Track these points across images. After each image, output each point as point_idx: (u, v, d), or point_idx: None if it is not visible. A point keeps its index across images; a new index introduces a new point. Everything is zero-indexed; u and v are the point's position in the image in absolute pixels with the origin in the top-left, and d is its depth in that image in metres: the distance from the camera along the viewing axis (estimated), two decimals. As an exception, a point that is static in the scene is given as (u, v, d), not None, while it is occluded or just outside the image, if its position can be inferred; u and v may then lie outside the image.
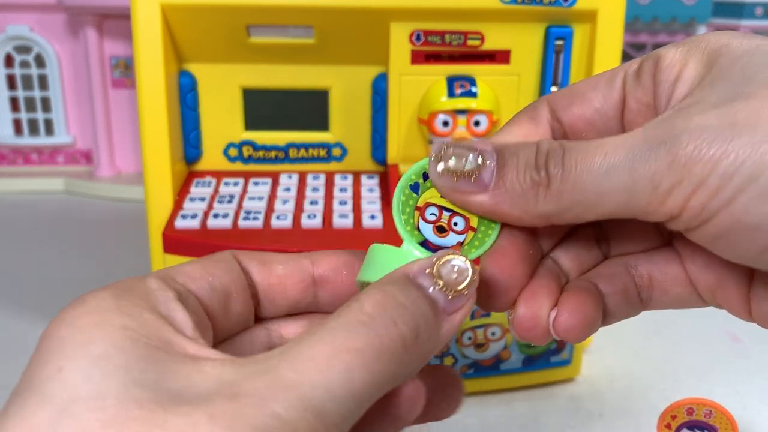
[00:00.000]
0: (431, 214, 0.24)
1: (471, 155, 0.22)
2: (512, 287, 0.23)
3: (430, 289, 0.20)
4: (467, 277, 0.21)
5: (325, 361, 0.17)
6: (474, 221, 0.24)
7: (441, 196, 0.23)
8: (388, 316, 0.19)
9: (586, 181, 0.20)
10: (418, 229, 0.23)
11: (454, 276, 0.21)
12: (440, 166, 0.22)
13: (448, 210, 0.24)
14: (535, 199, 0.21)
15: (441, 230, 0.24)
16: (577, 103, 0.24)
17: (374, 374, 0.18)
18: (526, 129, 0.24)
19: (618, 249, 0.26)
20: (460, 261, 0.21)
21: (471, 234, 0.24)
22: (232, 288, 0.23)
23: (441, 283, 0.20)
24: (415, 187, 0.24)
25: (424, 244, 0.23)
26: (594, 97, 0.24)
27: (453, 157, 0.22)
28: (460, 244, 0.24)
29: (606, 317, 0.24)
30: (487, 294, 0.23)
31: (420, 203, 0.24)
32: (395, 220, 0.23)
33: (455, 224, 0.24)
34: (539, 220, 0.22)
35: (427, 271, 0.21)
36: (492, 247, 0.24)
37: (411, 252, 0.23)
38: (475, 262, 0.22)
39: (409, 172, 0.24)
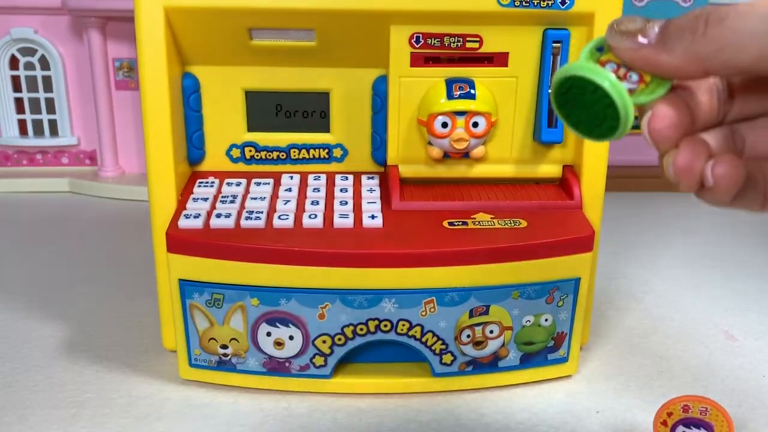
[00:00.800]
0: (610, 66, 0.28)
1: (639, 19, 0.27)
2: (675, 130, 0.28)
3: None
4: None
5: None
6: (647, 77, 0.27)
7: (615, 54, 0.28)
8: None
9: (743, 26, 0.24)
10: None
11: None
12: (615, 28, 0.27)
13: (625, 67, 0.28)
14: (692, 40, 0.25)
15: (618, 78, 0.27)
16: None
17: None
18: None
19: (752, 152, 0.30)
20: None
21: (642, 86, 0.27)
22: None
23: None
24: (599, 49, 0.28)
25: None
26: None
27: (625, 21, 0.27)
28: (632, 90, 0.27)
29: (745, 189, 0.28)
30: (654, 127, 0.28)
31: (603, 59, 0.28)
32: (581, 56, 0.28)
33: (630, 77, 0.27)
34: (695, 64, 0.26)
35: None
36: (659, 100, 0.28)
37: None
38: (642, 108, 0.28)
39: (594, 40, 0.28)
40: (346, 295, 0.47)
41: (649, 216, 0.92)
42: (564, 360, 0.53)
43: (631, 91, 0.27)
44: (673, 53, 0.26)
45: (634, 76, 0.27)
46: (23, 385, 0.52)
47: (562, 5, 0.49)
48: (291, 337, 0.49)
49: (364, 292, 0.47)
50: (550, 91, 0.29)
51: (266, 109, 0.55)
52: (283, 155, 0.55)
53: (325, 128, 0.55)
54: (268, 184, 0.53)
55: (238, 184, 0.53)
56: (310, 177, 0.55)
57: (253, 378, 0.51)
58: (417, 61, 0.51)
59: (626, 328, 0.62)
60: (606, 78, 0.27)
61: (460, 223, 0.49)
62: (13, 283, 0.69)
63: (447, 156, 0.53)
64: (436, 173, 0.54)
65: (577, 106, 0.28)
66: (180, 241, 0.47)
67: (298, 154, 0.56)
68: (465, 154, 0.53)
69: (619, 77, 0.27)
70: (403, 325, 0.48)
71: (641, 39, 0.26)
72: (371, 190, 0.53)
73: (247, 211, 0.49)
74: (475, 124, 0.51)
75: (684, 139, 0.28)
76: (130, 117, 0.99)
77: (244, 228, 0.48)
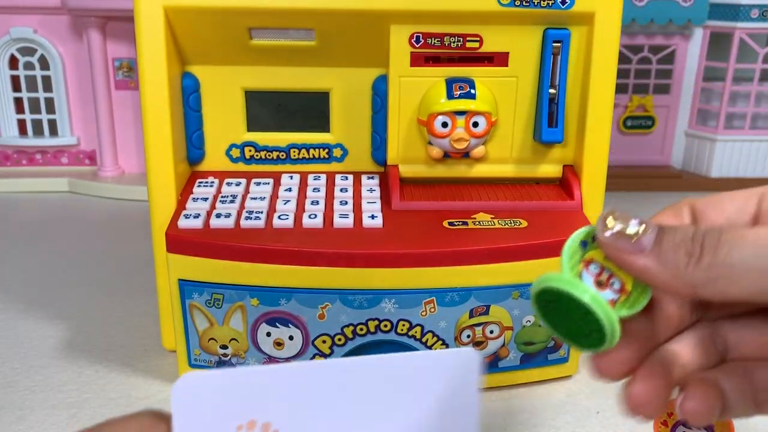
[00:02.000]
0: (594, 268, 0.26)
1: (635, 222, 0.25)
2: (626, 366, 0.27)
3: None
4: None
5: None
6: (629, 284, 0.26)
7: (604, 255, 0.26)
8: None
9: (736, 258, 0.23)
10: (580, 277, 0.26)
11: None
12: (607, 229, 0.25)
13: (608, 270, 0.26)
14: (686, 267, 0.24)
15: (599, 285, 0.26)
16: (713, 209, 0.28)
17: None
18: (671, 221, 0.28)
19: (737, 353, 0.29)
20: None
21: (623, 297, 0.26)
22: None
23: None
24: (583, 244, 0.27)
25: None
26: (729, 207, 0.28)
27: (619, 221, 0.25)
28: (614, 302, 0.26)
29: (724, 411, 0.27)
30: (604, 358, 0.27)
31: (586, 257, 0.26)
32: (563, 264, 0.26)
33: (612, 284, 0.26)
34: (685, 288, 0.24)
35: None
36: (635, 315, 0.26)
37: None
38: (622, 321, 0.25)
39: (580, 231, 0.27)
40: (346, 295, 0.47)
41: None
42: (564, 360, 0.53)
43: (613, 302, 0.26)
44: (667, 271, 0.25)
45: (617, 283, 0.26)
46: (22, 385, 0.52)
47: (563, 5, 0.49)
48: (291, 338, 0.49)
49: (364, 292, 0.47)
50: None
51: (266, 109, 0.55)
52: (282, 155, 0.55)
53: (325, 128, 0.55)
54: (268, 184, 0.53)
55: (238, 184, 0.53)
56: (310, 177, 0.55)
57: (252, 378, 0.51)
58: (417, 60, 0.51)
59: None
60: (586, 291, 0.25)
61: (461, 223, 0.49)
62: (13, 283, 0.69)
63: (447, 156, 0.53)
64: (436, 173, 0.54)
65: (562, 315, 0.26)
66: (180, 241, 0.47)
67: (298, 154, 0.55)
68: (465, 154, 0.52)
69: (600, 283, 0.26)
70: (403, 325, 0.48)
71: (636, 245, 0.25)
72: (371, 190, 0.53)
73: (246, 211, 0.49)
74: (475, 124, 0.51)
75: (643, 367, 0.27)
76: (129, 117, 0.99)
77: (244, 228, 0.48)
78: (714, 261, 0.24)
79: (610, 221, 0.25)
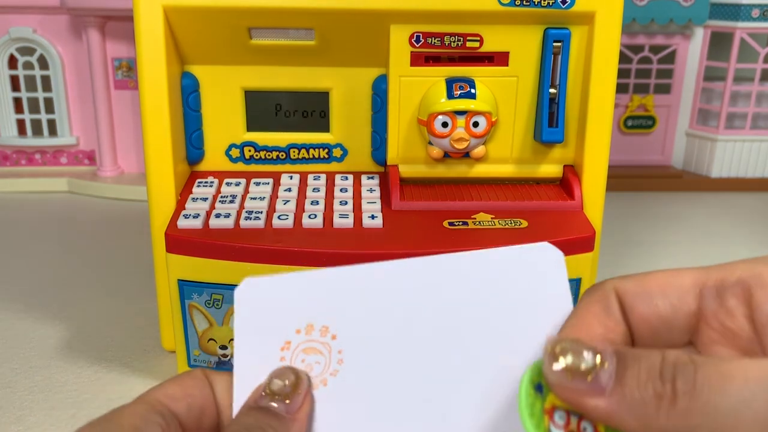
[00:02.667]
0: (560, 417, 0.22)
1: (588, 354, 0.21)
2: None
3: (271, 404, 0.24)
4: (292, 383, 0.24)
5: None
6: (601, 427, 0.22)
7: (555, 395, 0.22)
8: None
9: (721, 404, 0.19)
10: None
11: (284, 386, 0.24)
12: (555, 364, 0.21)
13: (575, 414, 0.22)
14: (657, 413, 0.20)
15: None
16: (642, 303, 0.24)
17: None
18: (600, 320, 0.24)
19: None
20: (282, 371, 0.24)
21: None
22: (206, 405, 0.26)
23: (276, 396, 0.24)
24: (539, 388, 0.22)
25: None
26: (661, 304, 0.23)
27: (569, 354, 0.21)
28: None
29: None
30: None
31: (547, 405, 0.22)
32: (525, 426, 0.21)
33: (584, 429, 0.22)
34: None
35: (262, 393, 0.24)
36: None
37: None
38: None
39: (529, 371, 0.22)
40: (346, 296, 0.47)
41: (649, 216, 0.92)
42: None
43: None
44: (633, 416, 0.20)
45: (589, 428, 0.22)
46: (22, 386, 0.52)
47: (563, 4, 0.48)
48: (291, 338, 0.49)
49: (364, 293, 0.47)
50: None
51: (266, 109, 0.54)
52: (282, 155, 0.55)
53: (325, 128, 0.55)
54: (268, 184, 0.53)
55: (238, 184, 0.53)
56: (310, 177, 0.55)
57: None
58: (417, 60, 0.51)
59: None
60: None
61: (461, 223, 0.49)
62: (12, 284, 0.69)
63: (447, 156, 0.53)
64: (437, 173, 0.54)
65: None
66: (179, 241, 0.47)
67: (298, 153, 0.55)
68: (465, 154, 0.52)
69: None
70: (403, 325, 0.48)
71: (592, 384, 0.20)
72: (371, 190, 0.53)
73: (246, 211, 0.49)
74: (476, 124, 0.50)
75: None
76: (129, 117, 0.99)
77: (244, 228, 0.48)
78: (692, 405, 0.19)
79: (558, 353, 0.21)
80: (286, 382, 0.24)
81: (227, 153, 0.55)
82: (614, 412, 0.20)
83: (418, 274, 0.25)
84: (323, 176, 0.55)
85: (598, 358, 0.21)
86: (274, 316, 0.25)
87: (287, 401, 0.24)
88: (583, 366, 0.21)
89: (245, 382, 0.25)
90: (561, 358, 0.21)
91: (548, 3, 0.48)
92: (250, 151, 0.55)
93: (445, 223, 0.49)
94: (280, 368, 0.25)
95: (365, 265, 0.25)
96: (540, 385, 0.22)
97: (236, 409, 0.25)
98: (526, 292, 0.25)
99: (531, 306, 0.25)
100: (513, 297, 0.25)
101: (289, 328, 0.25)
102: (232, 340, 0.49)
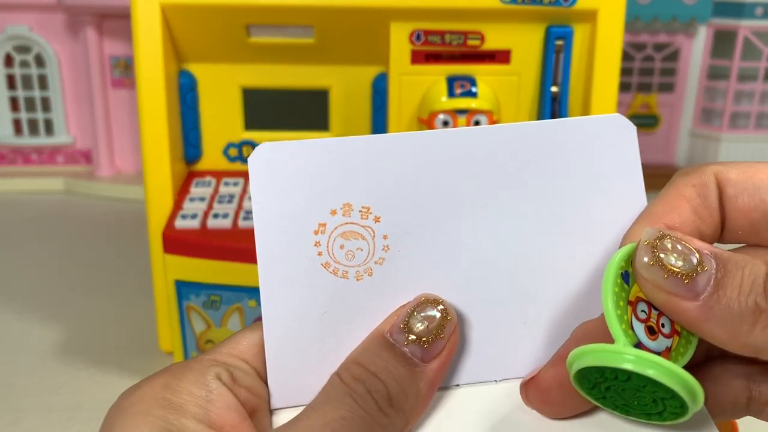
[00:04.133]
0: (642, 311, 0.20)
1: (688, 252, 0.19)
2: None
3: (405, 345, 0.21)
4: (436, 322, 0.21)
5: (318, 430, 0.19)
6: (678, 327, 0.20)
7: (644, 292, 0.20)
8: (363, 386, 0.20)
9: None
10: (632, 327, 0.20)
11: (426, 325, 0.21)
12: (650, 259, 0.19)
13: (656, 308, 0.20)
14: (752, 328, 0.18)
15: (652, 331, 0.20)
16: (747, 195, 0.21)
17: None
18: (694, 206, 0.21)
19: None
20: (429, 310, 0.21)
21: (676, 339, 0.20)
22: None
23: (413, 336, 0.21)
24: (626, 276, 0.20)
25: (638, 346, 0.20)
26: None
27: (669, 251, 0.19)
28: (669, 349, 0.20)
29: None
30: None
31: (632, 297, 0.20)
32: (608, 319, 0.19)
33: (663, 325, 0.20)
34: (745, 350, 0.19)
35: (401, 326, 0.21)
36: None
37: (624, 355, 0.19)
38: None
39: (617, 258, 0.20)
40: (345, 297, 0.47)
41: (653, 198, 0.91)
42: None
43: (668, 351, 0.20)
44: (724, 326, 0.18)
45: (667, 326, 0.20)
46: (18, 388, 0.51)
47: (565, 2, 0.48)
48: (289, 340, 0.48)
49: (364, 294, 0.46)
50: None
51: (264, 108, 0.54)
52: (281, 154, 0.55)
53: (324, 127, 0.55)
54: (267, 183, 0.53)
55: (236, 184, 0.52)
56: (309, 176, 0.54)
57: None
58: (418, 58, 0.50)
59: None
60: (626, 359, 0.19)
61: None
62: (8, 285, 0.69)
63: (448, 155, 0.52)
64: (437, 173, 0.53)
65: (620, 391, 0.20)
66: (176, 242, 0.47)
67: (297, 153, 0.55)
68: (466, 153, 0.52)
69: (652, 330, 0.20)
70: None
71: (689, 288, 0.19)
72: (371, 190, 0.52)
73: (244, 212, 0.49)
74: (477, 123, 0.50)
75: None
76: (126, 116, 0.98)
77: (242, 228, 0.48)
78: None
79: (655, 247, 0.19)
80: (431, 320, 0.21)
81: (225, 152, 0.55)
82: (704, 320, 0.19)
83: (471, 145, 0.21)
84: (322, 176, 0.54)
85: (697, 258, 0.19)
86: (302, 191, 0.21)
87: (425, 345, 0.21)
88: (680, 266, 0.19)
89: (273, 278, 0.21)
90: (659, 254, 0.19)
91: (550, 1, 0.48)
92: (248, 150, 0.55)
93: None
94: (428, 299, 0.21)
95: (408, 134, 0.22)
96: (627, 273, 0.20)
97: (265, 311, 0.21)
98: (596, 168, 0.22)
99: (601, 183, 0.22)
100: (580, 173, 0.22)
101: (322, 207, 0.21)
102: (230, 342, 0.49)
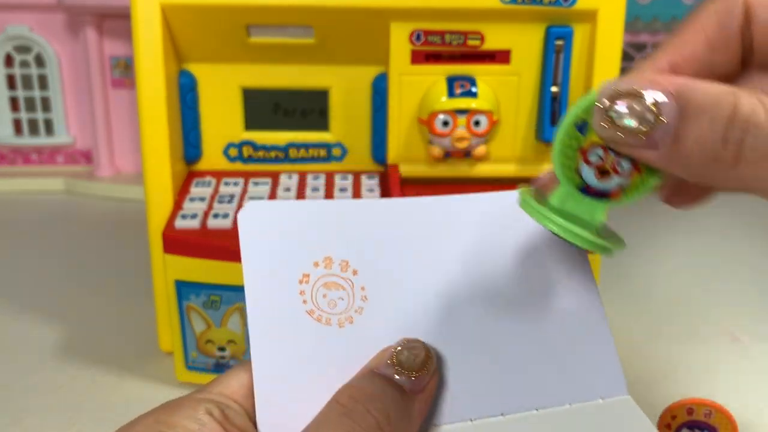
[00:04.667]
0: (596, 156, 0.21)
1: (645, 107, 0.18)
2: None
3: (395, 376, 0.22)
4: (421, 357, 0.22)
5: None
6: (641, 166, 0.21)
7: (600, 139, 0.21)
8: (362, 406, 0.20)
9: None
10: (579, 173, 0.22)
11: (412, 359, 0.22)
12: (604, 120, 0.19)
13: (616, 151, 0.21)
14: (714, 173, 0.18)
15: (603, 172, 0.21)
16: None
17: None
18: (708, 36, 0.20)
19: None
20: (413, 348, 0.22)
21: (636, 175, 0.21)
22: None
23: (402, 369, 0.22)
24: (581, 127, 0.21)
25: (584, 189, 0.22)
26: None
27: (624, 108, 0.19)
28: (621, 188, 0.21)
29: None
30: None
31: (585, 144, 0.21)
32: (554, 163, 0.22)
33: (621, 166, 0.21)
34: (710, 184, 0.19)
35: (388, 361, 0.22)
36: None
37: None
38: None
39: (575, 109, 0.21)
40: (345, 297, 0.47)
41: (651, 215, 0.91)
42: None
43: (621, 189, 0.21)
44: (686, 171, 0.19)
45: (626, 165, 0.21)
46: (18, 388, 0.51)
47: (565, 2, 0.48)
48: (290, 340, 0.48)
49: (364, 294, 0.46)
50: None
51: (264, 108, 0.54)
52: (281, 154, 0.55)
53: (324, 127, 0.55)
54: (267, 183, 0.53)
55: (236, 184, 0.52)
56: (309, 177, 0.54)
57: (251, 381, 0.50)
58: (417, 58, 0.50)
59: (629, 330, 0.61)
60: (554, 222, 0.21)
61: (462, 224, 0.49)
62: (7, 285, 0.68)
63: (448, 155, 0.52)
64: (438, 173, 0.53)
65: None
66: (176, 242, 0.47)
67: (297, 153, 0.55)
68: (466, 154, 0.52)
69: (604, 171, 0.21)
70: (404, 327, 0.48)
71: (644, 142, 0.19)
72: (371, 190, 0.52)
73: (244, 211, 0.49)
74: (477, 123, 0.50)
75: None
76: (126, 116, 0.98)
77: (242, 228, 0.47)
78: (755, 172, 0.17)
79: (610, 107, 0.19)
80: (417, 356, 0.22)
81: (225, 152, 0.55)
82: (666, 165, 0.19)
83: (427, 212, 0.24)
84: (323, 176, 0.54)
85: (653, 114, 0.18)
86: (287, 245, 0.23)
87: (413, 377, 0.21)
88: (634, 126, 0.18)
89: (262, 323, 0.23)
90: (612, 116, 0.19)
91: (550, 1, 0.48)
92: (248, 150, 0.55)
93: (446, 224, 0.49)
94: (411, 339, 0.22)
95: (380, 200, 0.24)
96: (584, 124, 0.21)
97: (255, 354, 0.22)
98: (521, 231, 0.25)
99: (539, 243, 0.24)
100: (510, 235, 0.24)
101: (305, 259, 0.23)
102: (230, 341, 0.49)
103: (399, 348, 0.22)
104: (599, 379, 0.24)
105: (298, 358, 0.22)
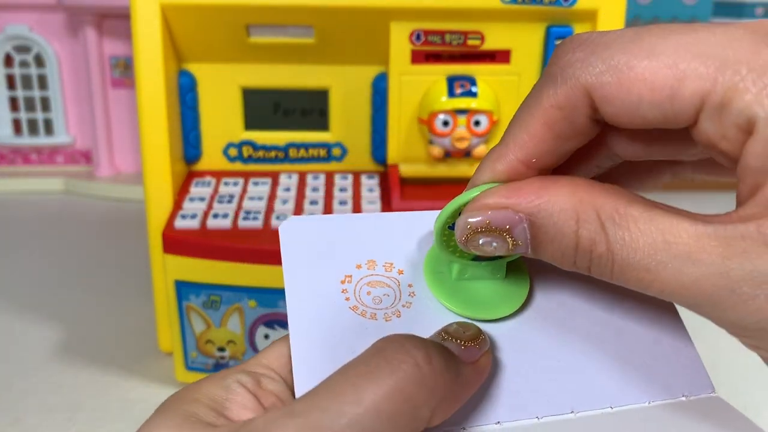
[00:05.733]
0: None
1: (501, 239, 0.20)
2: None
3: (442, 342, 0.20)
4: (472, 330, 0.21)
5: (348, 392, 0.18)
6: None
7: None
8: (398, 344, 0.19)
9: (634, 273, 0.18)
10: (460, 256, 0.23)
11: (462, 331, 0.21)
12: (465, 246, 0.21)
13: None
14: (573, 268, 0.20)
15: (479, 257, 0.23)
16: (624, 109, 0.19)
17: (396, 398, 0.18)
18: (553, 134, 0.20)
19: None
20: (467, 324, 0.21)
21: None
22: None
23: (450, 336, 0.20)
24: (453, 227, 0.22)
25: (476, 257, 0.23)
26: (650, 114, 0.18)
27: (480, 240, 0.20)
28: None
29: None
30: None
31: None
32: (442, 252, 0.22)
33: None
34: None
35: (437, 334, 0.21)
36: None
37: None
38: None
39: (443, 216, 0.22)
40: (345, 297, 0.46)
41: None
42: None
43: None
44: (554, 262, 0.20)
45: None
46: (18, 388, 0.51)
47: (565, 2, 0.48)
48: (290, 340, 0.48)
49: (364, 294, 0.46)
50: None
51: (264, 108, 0.54)
52: (281, 154, 0.55)
53: (324, 127, 0.54)
54: (266, 183, 0.52)
55: (236, 184, 0.52)
56: (309, 176, 0.54)
57: (251, 381, 0.50)
58: (418, 58, 0.50)
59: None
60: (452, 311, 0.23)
61: (462, 224, 0.49)
62: (7, 285, 0.68)
63: (448, 155, 0.52)
64: (438, 172, 0.53)
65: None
66: (176, 242, 0.47)
67: (297, 153, 0.55)
68: (466, 153, 0.52)
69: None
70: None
71: (509, 253, 0.21)
72: (371, 190, 0.52)
73: (244, 212, 0.49)
74: (477, 123, 0.50)
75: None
76: (126, 116, 0.98)
77: (242, 228, 0.47)
78: (611, 274, 0.19)
79: (466, 240, 0.21)
80: (467, 328, 0.21)
81: (225, 152, 0.54)
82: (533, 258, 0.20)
83: None
84: (322, 176, 0.54)
85: (509, 243, 0.20)
86: (327, 253, 0.23)
87: (462, 346, 0.20)
88: (493, 249, 0.20)
89: (302, 321, 0.22)
90: (473, 244, 0.20)
91: (550, 1, 0.48)
92: (248, 150, 0.54)
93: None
94: (464, 322, 0.22)
95: (416, 213, 0.24)
96: (453, 225, 0.22)
97: (295, 349, 0.21)
98: None
99: None
100: None
101: (347, 263, 0.23)
102: (230, 341, 0.49)
103: (449, 323, 0.21)
104: (681, 377, 0.23)
105: (340, 353, 0.21)
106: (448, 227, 0.22)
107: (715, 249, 0.17)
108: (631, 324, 0.23)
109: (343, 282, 0.23)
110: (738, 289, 0.17)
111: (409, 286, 0.23)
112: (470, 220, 0.20)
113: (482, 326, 0.22)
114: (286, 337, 0.22)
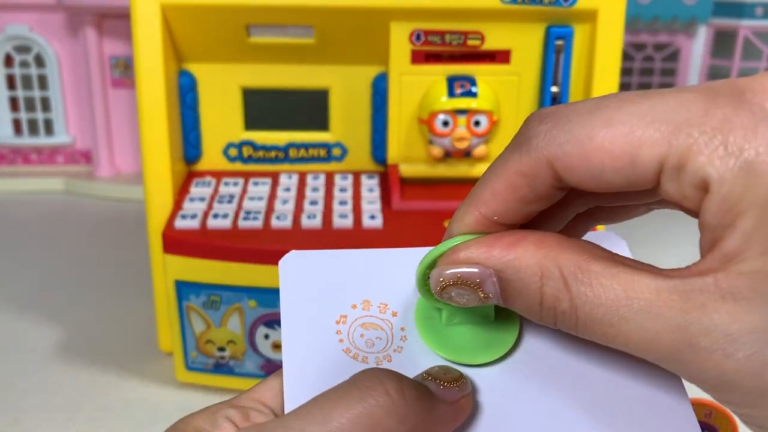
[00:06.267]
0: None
1: (472, 292, 0.21)
2: None
3: (422, 382, 0.21)
4: (453, 373, 0.21)
5: (316, 414, 0.19)
6: None
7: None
8: (372, 374, 0.19)
9: (598, 327, 0.19)
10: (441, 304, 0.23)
11: (443, 373, 0.21)
12: (440, 296, 0.21)
13: None
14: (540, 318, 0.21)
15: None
16: (588, 177, 0.20)
17: (363, 423, 0.18)
18: (522, 196, 0.21)
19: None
20: (448, 368, 0.22)
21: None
22: None
23: (430, 377, 0.21)
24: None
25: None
26: (614, 179, 0.19)
27: (452, 292, 0.21)
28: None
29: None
30: None
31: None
32: (429, 301, 0.23)
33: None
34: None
35: (421, 374, 0.21)
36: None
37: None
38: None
39: (422, 266, 0.22)
40: (345, 297, 0.47)
41: (651, 215, 0.91)
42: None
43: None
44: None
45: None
46: (18, 389, 0.51)
47: (565, 2, 0.48)
48: (289, 340, 0.48)
49: (364, 294, 0.46)
50: None
51: (264, 108, 0.54)
52: (281, 154, 0.55)
53: (324, 127, 0.54)
54: (266, 184, 0.52)
55: (236, 184, 0.52)
56: (309, 177, 0.54)
57: (250, 381, 0.50)
58: (418, 58, 0.50)
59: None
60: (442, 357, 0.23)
61: (462, 224, 0.49)
62: (7, 285, 0.68)
63: (448, 155, 0.52)
64: (437, 173, 0.53)
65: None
66: (176, 242, 0.47)
67: (297, 153, 0.55)
68: (466, 153, 0.52)
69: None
70: (404, 327, 0.48)
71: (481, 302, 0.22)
72: (371, 190, 0.52)
73: (244, 212, 0.49)
74: (477, 123, 0.50)
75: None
76: (126, 116, 0.98)
77: (242, 228, 0.47)
78: (576, 326, 0.20)
79: (439, 292, 0.21)
80: (448, 371, 0.21)
81: (225, 152, 0.54)
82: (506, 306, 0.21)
83: None
84: (322, 176, 0.54)
85: (480, 295, 0.21)
86: (325, 290, 0.24)
87: (441, 385, 0.20)
88: (465, 301, 0.21)
89: (296, 360, 0.23)
90: (445, 295, 0.21)
91: (550, 1, 0.48)
92: (248, 150, 0.54)
93: (446, 223, 0.49)
94: (446, 365, 0.22)
95: (421, 249, 0.24)
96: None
97: (288, 385, 0.22)
98: None
99: None
100: None
101: (343, 302, 0.24)
102: (230, 341, 0.49)
103: (432, 366, 0.22)
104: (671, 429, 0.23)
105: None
106: (426, 278, 0.22)
107: (675, 303, 0.18)
108: (623, 375, 0.23)
109: (338, 322, 0.23)
110: (697, 344, 0.18)
111: (402, 329, 0.24)
112: (443, 272, 0.21)
113: (468, 371, 0.23)
114: (279, 373, 0.23)
